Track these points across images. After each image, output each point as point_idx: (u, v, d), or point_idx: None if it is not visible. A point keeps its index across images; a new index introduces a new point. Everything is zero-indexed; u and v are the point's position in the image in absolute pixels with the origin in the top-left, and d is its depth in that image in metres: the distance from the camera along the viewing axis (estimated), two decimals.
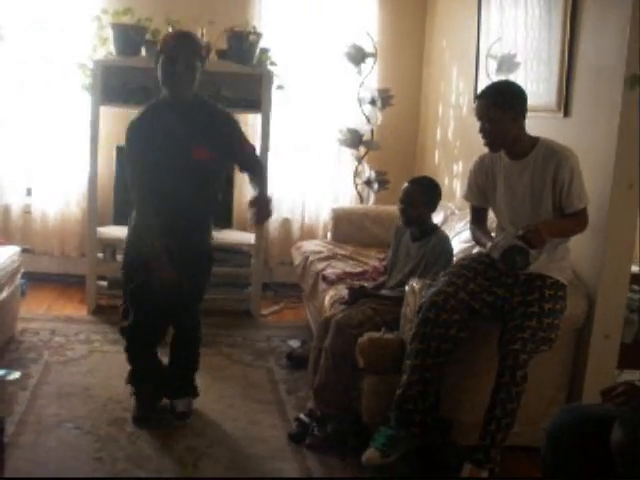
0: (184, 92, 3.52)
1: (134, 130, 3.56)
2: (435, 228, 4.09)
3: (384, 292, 4.03)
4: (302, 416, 3.80)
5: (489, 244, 3.43)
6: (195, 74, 3.49)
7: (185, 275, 3.57)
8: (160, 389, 3.97)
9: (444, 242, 3.98)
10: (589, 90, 3.82)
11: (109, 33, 5.39)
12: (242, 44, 5.34)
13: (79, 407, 3.91)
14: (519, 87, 3.51)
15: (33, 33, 5.85)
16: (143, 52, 5.34)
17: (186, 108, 3.57)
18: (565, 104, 3.99)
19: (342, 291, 4.24)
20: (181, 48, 3.47)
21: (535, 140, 3.44)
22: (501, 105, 3.36)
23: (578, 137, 3.78)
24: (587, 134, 3.77)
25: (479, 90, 4.94)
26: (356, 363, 3.61)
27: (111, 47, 5.41)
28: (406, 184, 4.06)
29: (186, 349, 4.02)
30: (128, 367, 3.94)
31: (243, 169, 3.90)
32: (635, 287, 3.92)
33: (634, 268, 3.93)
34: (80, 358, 4.58)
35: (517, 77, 4.58)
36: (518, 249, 3.17)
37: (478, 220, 3.73)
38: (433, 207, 4.07)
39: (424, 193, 4.01)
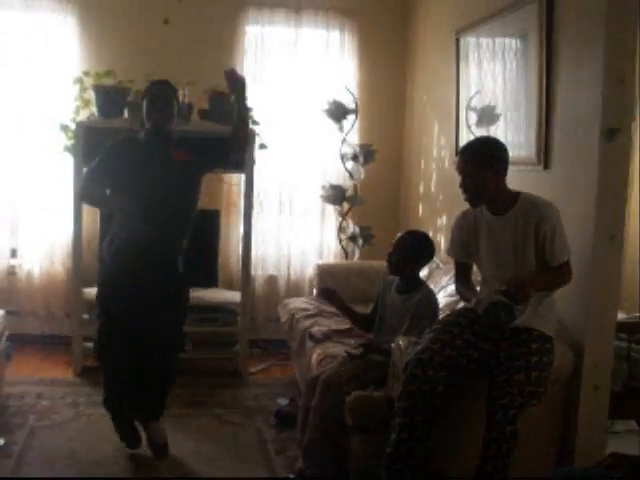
0: (165, 124, 3.94)
1: (114, 143, 4.07)
2: (421, 283, 4.10)
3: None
4: (291, 476, 3.77)
5: (474, 299, 3.43)
6: (174, 110, 3.97)
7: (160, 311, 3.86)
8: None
9: (430, 297, 3.98)
10: (568, 142, 3.86)
11: (91, 95, 5.43)
12: (223, 104, 5.38)
13: (64, 473, 3.85)
14: (501, 144, 3.53)
15: (16, 95, 5.90)
16: (125, 114, 5.37)
17: (167, 136, 3.98)
18: (545, 156, 4.03)
19: (330, 349, 4.23)
20: (161, 88, 4.02)
21: (516, 195, 3.46)
22: (480, 162, 3.40)
23: (559, 189, 3.81)
24: (567, 186, 3.80)
25: (460, 143, 5.06)
26: (344, 422, 3.58)
27: (93, 109, 5.44)
28: (401, 233, 4.09)
29: (157, 384, 4.11)
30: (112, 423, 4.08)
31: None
32: (622, 335, 3.91)
33: (620, 316, 3.93)
34: (66, 422, 4.52)
35: (497, 129, 4.65)
36: (502, 305, 3.17)
37: (462, 275, 3.73)
38: (422, 261, 4.09)
39: (416, 243, 4.05)
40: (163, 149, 3.95)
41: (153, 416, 4.11)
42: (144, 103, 3.96)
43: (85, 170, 4.08)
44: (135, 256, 3.85)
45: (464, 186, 3.45)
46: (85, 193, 4.14)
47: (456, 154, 5.21)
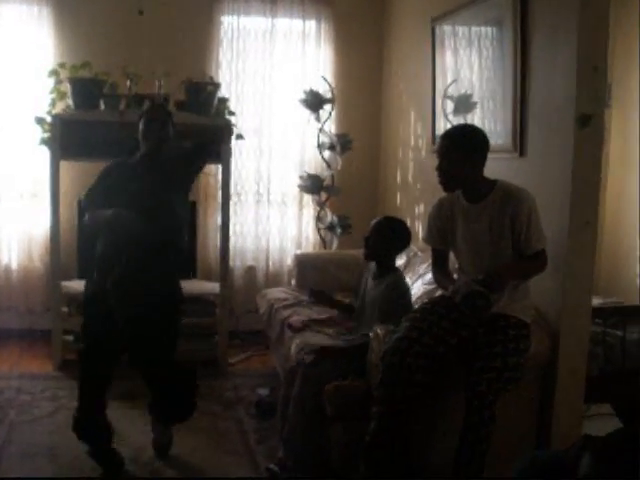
0: (160, 146, 3.95)
1: (108, 165, 4.06)
2: (394, 269, 4.12)
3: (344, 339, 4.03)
4: (272, 466, 3.77)
5: (451, 287, 3.45)
6: (169, 132, 3.99)
7: (147, 322, 3.76)
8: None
9: (398, 281, 4.03)
10: (542, 129, 3.89)
11: (67, 87, 5.40)
12: (200, 95, 5.37)
13: (45, 467, 3.85)
14: (482, 134, 3.54)
15: None
16: (102, 105, 5.34)
17: (160, 158, 3.97)
18: (520, 144, 4.05)
19: (309, 338, 4.25)
20: (156, 112, 4.08)
21: (493, 183, 3.48)
22: (459, 148, 3.41)
23: (534, 176, 3.84)
24: (543, 173, 3.83)
25: (437, 131, 5.08)
26: (324, 411, 3.59)
27: (69, 101, 5.41)
28: (378, 218, 4.13)
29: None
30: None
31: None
32: (597, 320, 3.94)
33: (595, 301, 3.97)
34: (46, 416, 4.51)
35: (474, 117, 4.67)
36: (479, 294, 3.20)
37: (440, 262, 3.75)
38: (398, 247, 4.12)
39: (392, 228, 4.07)
40: (153, 176, 3.91)
41: (166, 420, 4.10)
42: (140, 125, 3.98)
43: (82, 200, 4.03)
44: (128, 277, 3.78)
45: (440, 169, 3.46)
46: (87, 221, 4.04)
47: (433, 142, 5.24)
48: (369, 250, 4.06)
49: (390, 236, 4.04)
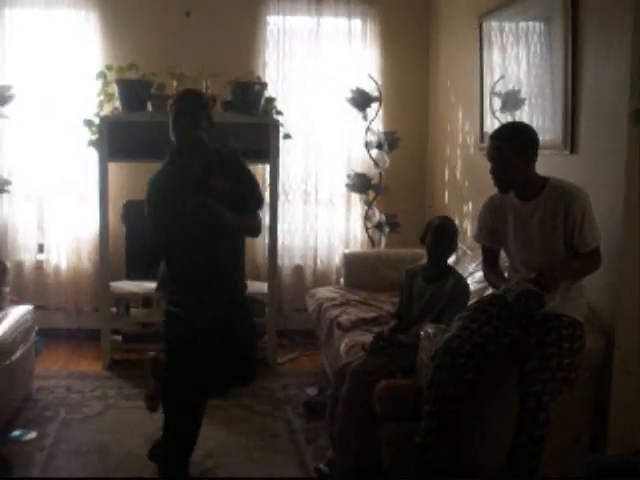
0: (194, 142, 3.69)
1: (151, 183, 3.74)
2: (451, 269, 4.08)
3: (401, 337, 3.99)
4: (322, 466, 3.77)
5: (502, 286, 3.41)
6: (199, 123, 3.68)
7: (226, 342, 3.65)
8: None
9: (463, 283, 3.98)
10: (594, 126, 3.81)
11: (114, 89, 5.44)
12: (247, 95, 5.38)
13: (96, 465, 3.90)
14: (532, 130, 3.48)
15: (41, 92, 5.93)
16: (149, 107, 5.37)
17: (194, 152, 3.71)
18: (571, 141, 3.98)
19: (358, 337, 4.23)
20: (184, 102, 3.73)
21: (545, 180, 3.42)
22: (513, 148, 3.35)
23: (586, 173, 3.77)
24: (595, 170, 3.76)
25: (485, 128, 5.02)
26: (374, 411, 3.57)
27: (117, 103, 5.46)
28: (436, 219, 4.16)
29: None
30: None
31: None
32: None
33: None
34: (96, 415, 4.56)
35: (522, 114, 4.61)
36: (532, 294, 3.15)
37: (490, 261, 3.70)
38: (453, 247, 4.08)
39: (453, 229, 4.07)
40: (198, 178, 3.65)
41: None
42: (170, 116, 3.71)
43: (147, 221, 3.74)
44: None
45: (494, 172, 3.41)
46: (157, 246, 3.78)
47: (481, 140, 5.19)
48: (437, 252, 4.02)
49: (450, 238, 4.01)
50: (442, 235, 4.00)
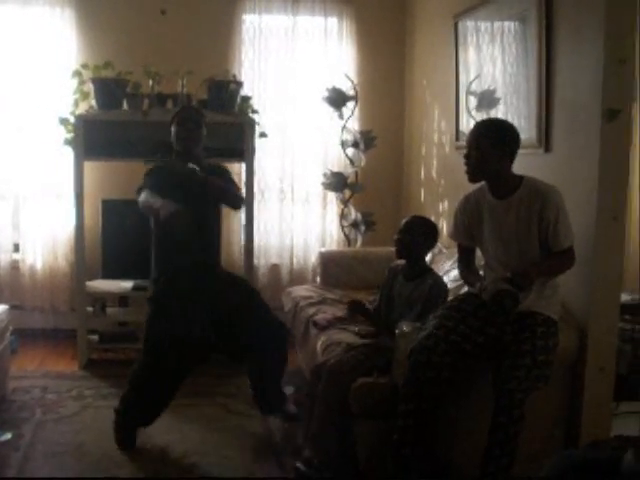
0: (195, 147, 4.12)
1: (155, 169, 4.15)
2: (429, 268, 4.10)
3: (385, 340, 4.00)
4: (299, 465, 3.76)
5: (478, 284, 3.43)
6: (202, 133, 4.14)
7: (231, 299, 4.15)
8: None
9: (441, 282, 3.99)
10: (568, 125, 3.85)
11: (90, 87, 5.42)
12: (223, 93, 5.38)
13: (72, 466, 3.86)
14: (515, 130, 3.50)
15: (16, 90, 5.90)
16: (125, 105, 5.36)
17: (197, 159, 4.08)
18: (546, 139, 4.02)
19: (334, 336, 4.24)
20: (189, 112, 4.24)
21: (520, 179, 3.45)
22: (491, 139, 3.39)
23: (560, 172, 3.80)
24: (569, 168, 3.79)
25: (461, 127, 5.05)
26: (350, 409, 3.58)
27: (92, 101, 5.44)
28: (408, 217, 4.12)
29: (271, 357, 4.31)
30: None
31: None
32: (626, 317, 3.91)
33: (624, 298, 3.93)
34: (73, 415, 4.52)
35: (497, 113, 4.64)
36: (507, 293, 3.18)
37: (466, 259, 3.73)
38: (429, 245, 4.08)
39: (424, 226, 4.05)
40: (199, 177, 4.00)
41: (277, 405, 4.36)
42: (172, 127, 4.12)
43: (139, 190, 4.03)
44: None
45: (468, 157, 3.44)
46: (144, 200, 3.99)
47: (457, 139, 5.22)
48: (402, 248, 4.03)
49: (422, 235, 4.01)
50: (406, 232, 4.01)
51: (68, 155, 5.55)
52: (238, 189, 4.32)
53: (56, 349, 5.87)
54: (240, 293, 4.21)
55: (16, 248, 6.16)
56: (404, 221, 4.08)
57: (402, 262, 4.10)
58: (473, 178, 3.49)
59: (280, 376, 4.35)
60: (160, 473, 3.82)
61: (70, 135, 5.50)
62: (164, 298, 4.05)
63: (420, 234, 4.00)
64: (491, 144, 3.38)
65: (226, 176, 4.27)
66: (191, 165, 3.94)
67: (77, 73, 5.55)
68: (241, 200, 4.33)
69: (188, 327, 3.93)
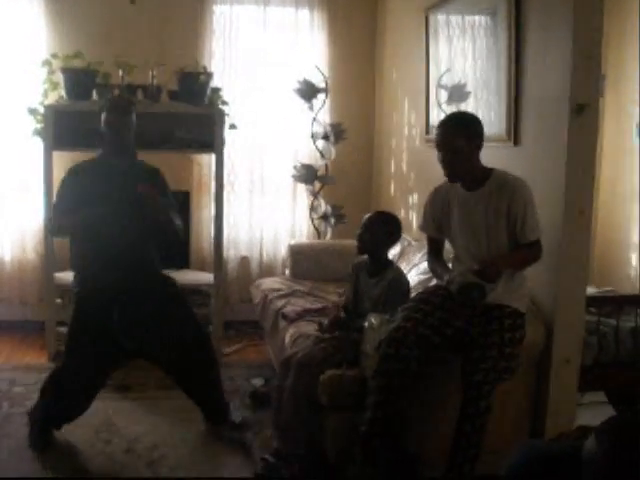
0: (125, 135, 4.00)
1: (74, 173, 4.05)
2: (390, 263, 4.10)
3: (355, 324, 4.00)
4: (268, 456, 3.77)
5: (446, 277, 3.46)
6: (131, 121, 4.01)
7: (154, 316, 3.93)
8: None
9: (400, 276, 4.00)
10: (537, 118, 3.88)
11: (60, 77, 5.38)
12: (193, 85, 5.35)
13: (38, 460, 3.84)
14: (477, 118, 3.54)
15: None
16: (94, 95, 5.32)
17: (125, 153, 4.04)
18: (515, 133, 4.05)
19: (303, 328, 4.25)
20: (117, 101, 4.22)
21: (489, 171, 3.47)
22: (464, 136, 3.39)
23: (529, 165, 3.84)
24: (537, 162, 3.83)
25: (431, 121, 5.06)
26: (319, 401, 3.59)
27: (62, 91, 5.39)
28: (370, 213, 4.10)
29: (204, 374, 4.16)
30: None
31: None
32: (592, 309, 3.95)
33: (589, 290, 3.97)
34: None
35: (467, 106, 4.66)
36: (474, 285, 3.20)
37: (435, 251, 3.75)
38: (390, 241, 4.08)
39: (384, 223, 4.03)
40: (128, 178, 3.94)
41: (218, 420, 4.22)
42: (102, 115, 4.00)
43: (53, 205, 4.12)
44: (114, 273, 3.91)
45: (445, 161, 3.43)
46: (55, 224, 4.13)
47: (427, 132, 5.23)
48: (362, 245, 4.04)
49: (382, 231, 4.00)
50: (367, 228, 4.01)
51: (36, 146, 5.51)
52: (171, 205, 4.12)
53: (24, 341, 5.83)
54: (161, 296, 4.03)
55: None
56: (365, 217, 4.07)
57: (365, 258, 4.10)
58: (453, 179, 3.49)
59: (215, 384, 4.22)
60: (129, 464, 3.81)
61: (39, 125, 5.45)
62: (84, 299, 4.01)
63: (381, 231, 3.99)
64: (464, 141, 3.39)
65: (159, 182, 4.10)
66: (141, 188, 3.82)
67: (47, 63, 5.50)
68: (178, 234, 4.14)
69: (104, 329, 3.88)
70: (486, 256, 3.37)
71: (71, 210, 3.88)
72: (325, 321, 4.12)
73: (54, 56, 5.49)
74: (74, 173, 4.05)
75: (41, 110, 5.39)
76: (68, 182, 4.03)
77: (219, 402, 4.24)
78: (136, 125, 4.03)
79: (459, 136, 3.39)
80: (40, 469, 3.76)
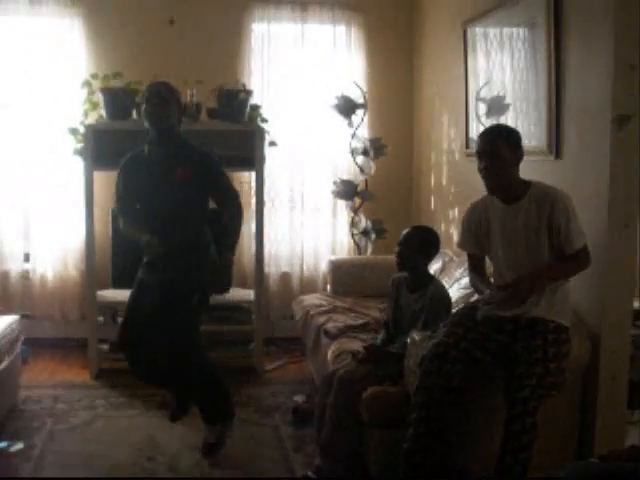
0: (164, 124, 3.95)
1: (125, 162, 4.16)
2: (431, 278, 4.07)
3: (391, 348, 3.97)
4: (310, 474, 3.75)
5: (488, 291, 3.42)
6: (171, 106, 3.97)
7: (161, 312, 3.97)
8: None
9: (441, 291, 3.96)
10: (579, 131, 3.83)
11: (99, 97, 5.43)
12: (232, 102, 5.37)
13: (83, 477, 3.85)
14: (518, 131, 3.52)
15: (26, 100, 5.92)
16: (134, 115, 5.36)
17: (168, 140, 4.01)
18: (556, 146, 4.00)
19: (345, 345, 4.23)
20: (157, 87, 4.02)
21: (528, 184, 3.44)
22: (509, 146, 3.38)
23: (571, 179, 3.78)
24: (580, 175, 3.77)
25: (470, 134, 5.03)
26: (361, 418, 3.57)
27: (102, 111, 5.44)
28: (407, 229, 4.08)
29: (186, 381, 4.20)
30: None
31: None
32: (638, 323, 3.88)
33: (636, 304, 3.91)
34: (84, 425, 4.52)
35: (507, 119, 4.62)
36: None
37: (476, 267, 3.71)
38: (429, 256, 4.05)
39: (422, 238, 4.01)
40: (167, 165, 3.98)
41: (205, 419, 4.17)
42: (142, 106, 4.02)
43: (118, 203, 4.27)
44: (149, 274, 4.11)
45: (488, 169, 3.39)
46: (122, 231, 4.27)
47: (467, 146, 5.20)
48: (401, 261, 4.01)
49: (420, 246, 3.98)
50: (405, 244, 3.99)
51: (78, 165, 5.56)
52: (231, 190, 4.17)
53: (67, 358, 5.87)
54: (162, 297, 4.03)
55: (27, 258, 6.17)
56: (403, 233, 4.05)
57: (405, 273, 4.08)
58: (494, 189, 3.45)
59: (203, 398, 4.21)
60: None
61: (80, 145, 5.51)
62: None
63: (418, 246, 3.97)
64: (509, 150, 3.37)
65: (205, 167, 4.07)
66: (179, 173, 3.94)
67: (86, 83, 5.57)
68: (239, 216, 4.18)
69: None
70: (527, 269, 3.32)
71: (125, 204, 4.13)
72: (361, 348, 4.07)
73: (94, 76, 5.56)
74: (122, 167, 4.15)
75: (81, 130, 5.45)
76: (119, 177, 4.15)
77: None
78: (169, 111, 3.96)
79: (503, 145, 3.37)
80: None
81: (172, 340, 3.98)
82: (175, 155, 4.01)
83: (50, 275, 6.15)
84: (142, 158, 4.08)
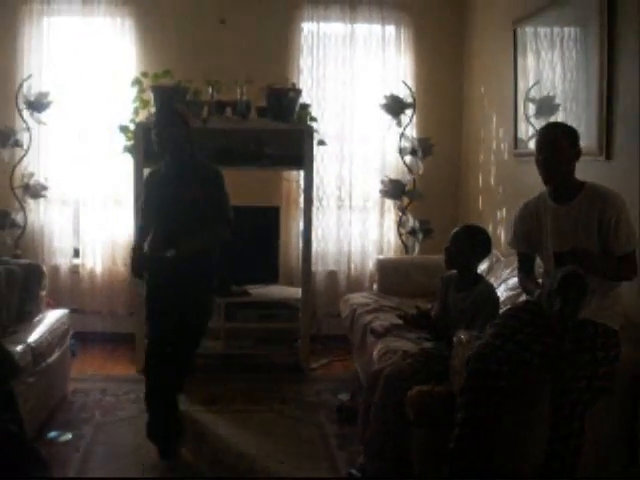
0: (173, 147, 4.16)
1: (147, 177, 4.56)
2: (479, 278, 4.05)
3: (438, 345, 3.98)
4: (354, 471, 3.76)
5: (537, 292, 3.39)
6: (179, 131, 4.15)
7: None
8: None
9: (489, 291, 3.94)
10: (630, 132, 3.78)
11: (150, 96, 5.49)
12: (281, 101, 5.40)
13: (130, 468, 3.91)
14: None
15: (78, 98, 6.03)
16: None
17: (182, 163, 4.21)
18: (607, 147, 3.96)
19: (391, 343, 4.24)
20: (162, 113, 4.43)
21: (581, 184, 3.41)
22: (569, 139, 3.39)
23: (622, 180, 3.73)
24: (631, 176, 3.72)
25: (519, 135, 5.00)
26: (406, 416, 3.57)
27: (152, 109, 5.50)
28: (457, 227, 4.08)
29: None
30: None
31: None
32: None
33: None
34: (130, 418, 4.59)
35: (557, 119, 4.57)
36: (573, 275, 3.13)
37: (526, 267, 3.67)
38: (479, 255, 4.03)
39: (471, 236, 3.99)
40: (177, 185, 4.18)
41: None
42: (152, 130, 4.25)
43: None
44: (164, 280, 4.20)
45: (547, 160, 3.39)
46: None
47: (515, 146, 5.17)
48: (450, 259, 4.00)
49: (470, 245, 3.96)
50: (454, 242, 3.98)
51: (128, 162, 5.63)
52: (225, 207, 4.24)
53: (114, 353, 5.96)
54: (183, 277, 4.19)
55: (76, 253, 6.27)
56: (453, 231, 4.04)
57: (454, 272, 4.06)
58: (550, 179, 3.43)
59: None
60: (215, 475, 3.86)
61: (130, 142, 5.58)
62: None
63: (467, 244, 3.95)
64: (568, 144, 3.38)
65: (210, 185, 4.22)
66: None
67: (137, 81, 5.64)
68: (220, 234, 4.26)
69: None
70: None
71: (145, 212, 4.41)
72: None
73: (144, 75, 5.63)
74: (146, 179, 4.54)
75: (132, 127, 5.52)
76: (144, 188, 4.51)
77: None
78: (176, 134, 4.13)
79: (563, 138, 3.38)
80: (127, 475, 3.83)
81: (193, 311, 4.19)
82: (184, 175, 4.20)
83: (99, 270, 6.24)
84: (160, 175, 4.31)
